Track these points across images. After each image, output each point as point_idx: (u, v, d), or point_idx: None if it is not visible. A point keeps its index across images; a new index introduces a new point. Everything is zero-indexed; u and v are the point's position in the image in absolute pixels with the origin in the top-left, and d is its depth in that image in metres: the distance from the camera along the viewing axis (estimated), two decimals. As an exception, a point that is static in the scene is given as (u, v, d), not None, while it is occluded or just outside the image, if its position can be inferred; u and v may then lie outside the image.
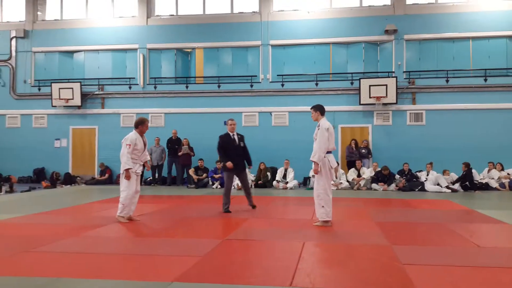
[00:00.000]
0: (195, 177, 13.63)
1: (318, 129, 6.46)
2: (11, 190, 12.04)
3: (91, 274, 3.92)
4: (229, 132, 8.13)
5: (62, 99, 15.76)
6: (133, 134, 6.88)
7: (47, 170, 16.13)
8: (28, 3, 16.76)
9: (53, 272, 3.95)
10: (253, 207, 8.31)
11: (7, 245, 5.09)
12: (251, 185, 12.51)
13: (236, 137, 8.14)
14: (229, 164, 7.80)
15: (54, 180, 14.84)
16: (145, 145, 7.05)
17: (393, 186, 12.76)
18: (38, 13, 16.90)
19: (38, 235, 5.72)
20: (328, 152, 6.45)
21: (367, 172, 13.28)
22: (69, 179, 15.15)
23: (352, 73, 14.98)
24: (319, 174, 6.41)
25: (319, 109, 6.67)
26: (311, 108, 6.77)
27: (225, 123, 15.16)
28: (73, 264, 4.25)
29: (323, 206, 6.39)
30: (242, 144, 8.21)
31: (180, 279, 3.73)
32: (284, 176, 13.53)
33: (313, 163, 6.44)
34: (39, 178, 15.68)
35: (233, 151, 8.03)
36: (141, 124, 6.97)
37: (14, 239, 5.47)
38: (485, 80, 14.33)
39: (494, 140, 14.05)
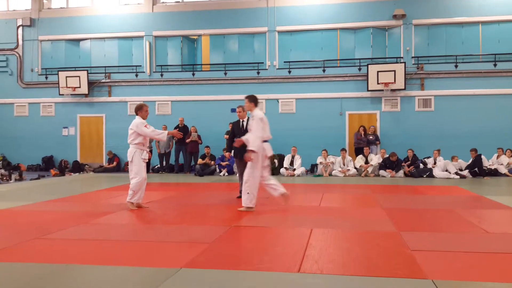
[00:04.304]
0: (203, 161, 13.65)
1: (253, 119, 6.54)
2: (20, 178, 12.16)
3: (100, 260, 3.96)
4: (239, 119, 8.04)
5: (69, 87, 15.81)
6: (138, 119, 6.89)
7: (55, 158, 16.27)
8: (33, -9, 16.74)
9: (64, 259, 3.99)
10: (238, 197, 7.73)
11: (18, 232, 5.15)
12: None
13: (244, 122, 7.93)
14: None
15: (62, 168, 14.98)
16: None
17: (401, 172, 12.71)
18: (44, 1, 16.85)
19: (48, 222, 5.78)
20: (264, 141, 6.55)
21: (375, 159, 13.22)
22: (78, 167, 15.29)
23: (360, 59, 14.82)
24: (253, 162, 6.44)
25: (254, 100, 6.77)
26: (245, 98, 6.84)
27: (232, 110, 15.01)
28: (83, 251, 4.29)
29: (248, 193, 6.49)
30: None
31: (189, 265, 3.75)
32: (291, 163, 13.52)
33: (265, 150, 6.55)
34: (47, 166, 15.82)
35: (240, 137, 7.92)
36: (139, 110, 6.97)
37: (25, 226, 5.53)
38: (495, 65, 14.12)
39: (504, 126, 13.89)
